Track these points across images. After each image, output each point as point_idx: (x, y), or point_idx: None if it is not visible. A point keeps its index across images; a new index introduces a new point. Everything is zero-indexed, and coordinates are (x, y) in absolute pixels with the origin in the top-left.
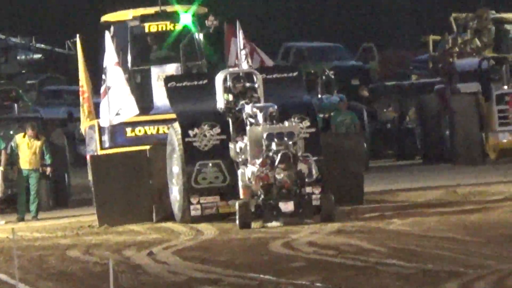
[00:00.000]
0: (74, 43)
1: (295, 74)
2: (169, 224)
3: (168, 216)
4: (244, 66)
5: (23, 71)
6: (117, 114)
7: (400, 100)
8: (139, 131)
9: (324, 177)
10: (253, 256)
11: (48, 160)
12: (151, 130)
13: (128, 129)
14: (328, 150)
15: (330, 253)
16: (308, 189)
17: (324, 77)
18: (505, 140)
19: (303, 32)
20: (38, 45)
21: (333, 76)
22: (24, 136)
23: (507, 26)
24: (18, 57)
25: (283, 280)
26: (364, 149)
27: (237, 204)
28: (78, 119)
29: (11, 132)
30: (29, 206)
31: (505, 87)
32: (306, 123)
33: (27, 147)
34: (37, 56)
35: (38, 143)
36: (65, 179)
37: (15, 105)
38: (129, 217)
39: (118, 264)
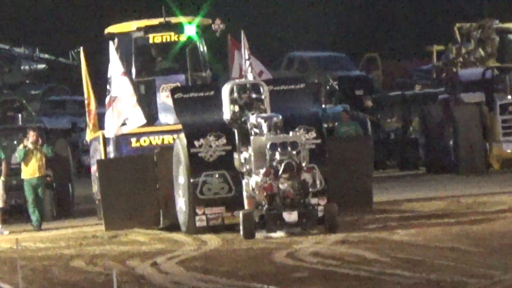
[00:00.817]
0: (78, 53)
1: (302, 85)
2: (173, 234)
3: (176, 221)
4: (250, 76)
5: (27, 81)
6: (124, 124)
7: (403, 110)
8: (144, 141)
9: (330, 188)
10: (256, 266)
11: (49, 153)
12: (155, 140)
13: (133, 140)
14: (337, 155)
15: (334, 263)
16: (314, 200)
17: (327, 87)
18: (509, 150)
19: (307, 42)
20: (41, 55)
21: (336, 86)
22: (25, 146)
23: (511, 36)
24: (22, 67)
25: None
26: (372, 153)
27: (241, 214)
28: (82, 129)
29: (15, 142)
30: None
31: (509, 97)
32: (312, 134)
33: (32, 155)
34: (41, 66)
35: (44, 148)
36: (69, 189)
37: (19, 115)
38: (136, 222)
39: (122, 274)
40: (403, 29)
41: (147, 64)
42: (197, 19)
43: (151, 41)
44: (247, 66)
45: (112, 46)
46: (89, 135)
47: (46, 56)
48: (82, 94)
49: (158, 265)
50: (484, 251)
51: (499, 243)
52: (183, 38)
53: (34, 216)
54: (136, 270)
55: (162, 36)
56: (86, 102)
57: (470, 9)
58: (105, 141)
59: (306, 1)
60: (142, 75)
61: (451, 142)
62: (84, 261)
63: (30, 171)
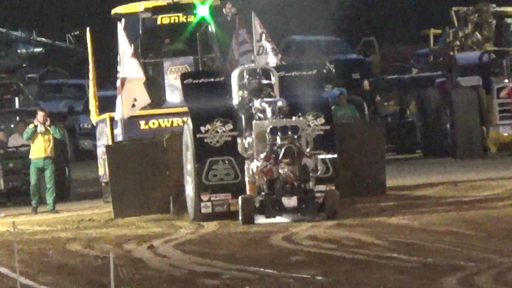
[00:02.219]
0: (75, 37)
1: (314, 72)
2: (169, 217)
3: (185, 208)
4: (263, 59)
5: (24, 65)
6: (133, 106)
7: (400, 94)
8: (153, 123)
9: (340, 174)
10: (253, 250)
11: (57, 134)
12: (165, 123)
13: (142, 122)
14: (349, 141)
15: (331, 247)
16: (321, 187)
17: (324, 71)
18: (506, 134)
19: (304, 26)
20: (38, 38)
21: (333, 70)
22: (35, 126)
23: (508, 20)
24: (18, 51)
25: (284, 273)
26: (385, 139)
27: (240, 199)
28: (79, 113)
29: (12, 126)
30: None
31: (506, 80)
32: (321, 120)
33: (40, 135)
34: (38, 49)
35: (51, 129)
36: (66, 173)
37: (16, 98)
38: (145, 209)
39: (119, 257)
40: (400, 13)
41: (155, 45)
42: (210, 0)
43: (159, 22)
44: (257, 48)
45: (120, 27)
46: (94, 117)
47: (43, 39)
48: (79, 78)
49: (155, 249)
50: (481, 235)
51: (496, 227)
52: (192, 19)
53: (35, 199)
54: (133, 253)
55: (170, 17)
56: (91, 83)
57: None
58: (112, 123)
59: None
60: (150, 56)
61: (448, 126)
62: (81, 245)
63: (36, 151)
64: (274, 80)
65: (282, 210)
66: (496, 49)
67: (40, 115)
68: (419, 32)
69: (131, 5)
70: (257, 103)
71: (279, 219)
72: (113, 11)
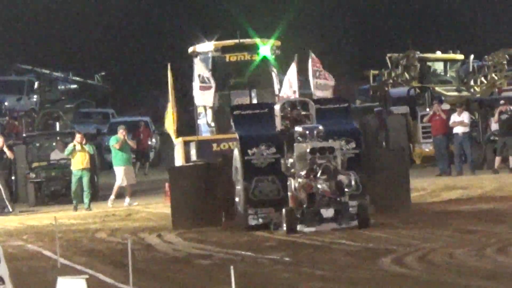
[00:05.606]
0: (101, 76)
1: (345, 105)
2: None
3: (235, 221)
4: (318, 93)
5: (63, 98)
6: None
7: None
8: (223, 146)
9: (369, 193)
10: (237, 238)
11: (91, 151)
12: (234, 145)
13: (214, 145)
14: (378, 164)
15: (297, 236)
16: (353, 203)
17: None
18: (427, 149)
19: None
20: (74, 78)
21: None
22: (74, 145)
23: (429, 63)
24: (59, 87)
25: (260, 255)
26: (408, 162)
27: (284, 211)
28: (104, 134)
29: (54, 144)
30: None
31: (427, 109)
32: (352, 145)
33: (78, 152)
34: (73, 86)
35: (86, 147)
36: (95, 180)
37: (57, 123)
38: (199, 221)
39: (135, 243)
40: (345, 57)
41: (224, 79)
42: (271, 41)
43: (227, 59)
44: (312, 84)
45: (196, 63)
46: (174, 139)
47: (77, 78)
48: (104, 107)
49: (162, 237)
50: (409, 226)
51: (419, 219)
52: (256, 57)
53: (75, 200)
54: (146, 240)
55: (237, 55)
56: (172, 111)
57: (398, 42)
58: (186, 146)
59: None
60: (219, 89)
61: (384, 144)
62: (106, 234)
63: (76, 164)
64: (311, 111)
65: (321, 220)
66: (420, 86)
67: (78, 136)
68: (362, 72)
69: (204, 44)
70: (298, 128)
71: (316, 228)
72: (190, 49)
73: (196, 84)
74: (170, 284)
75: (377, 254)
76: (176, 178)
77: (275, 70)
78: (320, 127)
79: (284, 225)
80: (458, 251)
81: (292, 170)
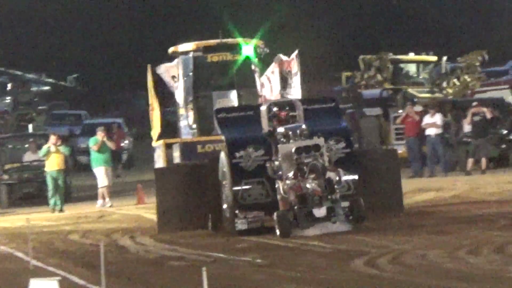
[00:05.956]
0: (74, 78)
1: (333, 104)
2: (146, 215)
3: (222, 224)
4: (296, 93)
5: (36, 99)
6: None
7: None
8: (208, 147)
9: (360, 192)
10: (209, 239)
11: (66, 152)
12: (218, 147)
13: (199, 146)
14: (369, 166)
15: (268, 237)
16: (345, 204)
17: None
18: (400, 151)
19: None
20: (47, 79)
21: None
22: (49, 146)
23: (402, 65)
24: (32, 89)
25: (232, 257)
26: (399, 163)
27: (275, 215)
28: (76, 136)
29: (26, 146)
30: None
31: (400, 111)
32: (342, 144)
33: (53, 153)
34: (46, 88)
35: (61, 148)
36: (67, 181)
37: (30, 125)
38: (185, 225)
39: (108, 245)
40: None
41: (205, 80)
42: (254, 40)
43: (209, 59)
44: (290, 84)
45: (179, 63)
46: (154, 141)
47: (50, 80)
48: (77, 109)
49: (134, 238)
50: (382, 228)
51: (391, 222)
52: (238, 57)
53: (52, 201)
54: (118, 242)
55: (219, 55)
56: (154, 113)
57: (371, 44)
58: (168, 148)
59: None
60: (201, 90)
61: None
62: (79, 235)
63: (51, 165)
64: (299, 111)
65: (314, 220)
66: (392, 87)
67: (53, 138)
68: (335, 74)
69: (185, 44)
70: (280, 129)
71: (311, 231)
72: (170, 50)
73: (180, 84)
74: (142, 286)
75: (350, 256)
76: (163, 179)
77: (258, 70)
78: (304, 126)
79: (277, 229)
80: (430, 253)
81: (279, 172)
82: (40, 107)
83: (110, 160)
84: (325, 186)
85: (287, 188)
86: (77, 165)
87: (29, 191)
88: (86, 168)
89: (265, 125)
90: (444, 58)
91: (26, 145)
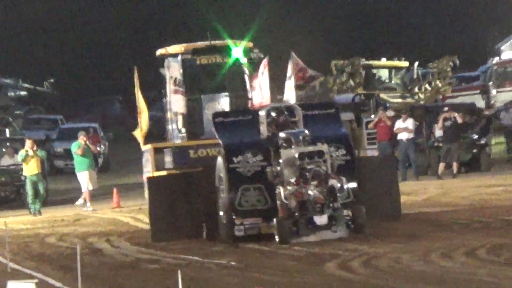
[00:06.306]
0: (50, 83)
1: (332, 110)
2: (122, 218)
3: (217, 233)
4: (290, 96)
5: (13, 104)
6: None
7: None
8: (201, 152)
9: (359, 200)
10: (185, 242)
11: (43, 156)
12: (212, 151)
13: (191, 151)
14: (366, 173)
15: (243, 242)
16: (345, 212)
17: None
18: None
19: None
20: (24, 84)
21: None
22: (26, 151)
23: (374, 71)
24: (8, 93)
25: (207, 260)
26: (396, 171)
27: (275, 221)
28: (53, 140)
29: (3, 150)
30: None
31: (372, 116)
32: (342, 151)
33: (30, 158)
34: (23, 93)
35: (38, 152)
36: (44, 185)
37: (6, 129)
38: (179, 234)
39: (84, 248)
40: None
41: (195, 83)
42: (243, 42)
43: (198, 62)
44: (287, 86)
45: (169, 66)
46: (141, 146)
47: (27, 85)
48: (53, 114)
49: (110, 241)
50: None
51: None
52: (228, 60)
53: (33, 205)
54: (94, 245)
55: (208, 58)
56: (138, 110)
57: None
58: (156, 153)
59: None
60: (190, 93)
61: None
62: (56, 238)
63: (30, 170)
64: (298, 116)
65: (314, 228)
66: (365, 92)
67: (29, 142)
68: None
69: (173, 46)
70: (282, 134)
71: (310, 237)
72: (158, 52)
73: (170, 87)
74: None
75: (322, 259)
76: (156, 188)
77: (248, 73)
78: (306, 132)
79: (276, 236)
80: (403, 256)
81: (280, 178)
82: (16, 112)
83: (93, 164)
84: (327, 193)
85: (288, 194)
86: (53, 169)
87: (5, 195)
88: (62, 172)
89: (264, 130)
90: (416, 63)
91: (3, 150)
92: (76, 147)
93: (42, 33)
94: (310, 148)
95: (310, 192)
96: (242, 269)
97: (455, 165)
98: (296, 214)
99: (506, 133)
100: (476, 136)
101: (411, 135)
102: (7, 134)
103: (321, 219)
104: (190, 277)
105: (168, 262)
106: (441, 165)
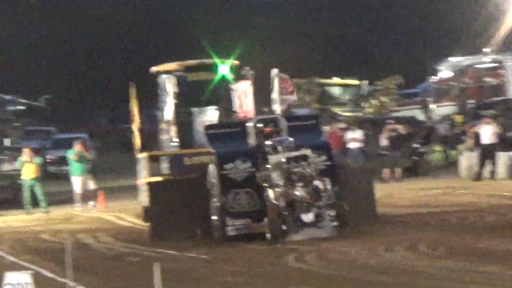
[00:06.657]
0: (45, 99)
1: (314, 121)
2: (107, 217)
3: (210, 235)
4: (275, 108)
5: (11, 117)
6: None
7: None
8: (196, 160)
9: (342, 201)
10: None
11: (40, 162)
12: (206, 159)
13: (186, 158)
14: (346, 181)
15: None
16: (331, 212)
17: None
18: None
19: None
20: (21, 100)
21: None
22: (25, 157)
23: (328, 88)
24: (7, 108)
25: (181, 253)
26: (372, 178)
27: (266, 220)
28: (46, 148)
29: (4, 158)
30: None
31: (326, 127)
32: (323, 157)
33: (28, 164)
34: (21, 107)
35: (35, 159)
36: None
37: (5, 139)
38: (176, 233)
39: (73, 243)
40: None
41: (186, 97)
42: (229, 61)
43: (189, 78)
44: (276, 99)
45: (161, 82)
46: (137, 153)
47: (24, 100)
48: (47, 126)
49: (97, 237)
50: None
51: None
52: (216, 76)
53: (29, 206)
54: (83, 240)
55: (198, 75)
56: (134, 122)
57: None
58: (152, 161)
59: None
60: (182, 106)
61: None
62: (49, 235)
63: (28, 174)
64: (282, 127)
65: (302, 225)
66: (319, 107)
67: (27, 151)
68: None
69: (168, 64)
70: (269, 141)
71: (300, 235)
72: (153, 69)
73: (164, 101)
74: (104, 278)
75: (283, 253)
76: (155, 192)
77: (234, 88)
78: (290, 139)
79: (268, 234)
80: (352, 250)
81: (268, 181)
82: (15, 124)
83: (87, 169)
84: (313, 193)
85: (277, 195)
86: (47, 174)
87: (5, 197)
88: (54, 177)
89: (253, 140)
90: (365, 82)
91: (5, 157)
92: (72, 154)
93: (40, 54)
94: (296, 153)
95: (297, 192)
96: (212, 261)
97: (397, 170)
98: (285, 213)
99: (443, 142)
100: (416, 145)
101: (360, 144)
102: (7, 143)
103: (307, 217)
104: (167, 268)
105: (147, 255)
106: (386, 171)
